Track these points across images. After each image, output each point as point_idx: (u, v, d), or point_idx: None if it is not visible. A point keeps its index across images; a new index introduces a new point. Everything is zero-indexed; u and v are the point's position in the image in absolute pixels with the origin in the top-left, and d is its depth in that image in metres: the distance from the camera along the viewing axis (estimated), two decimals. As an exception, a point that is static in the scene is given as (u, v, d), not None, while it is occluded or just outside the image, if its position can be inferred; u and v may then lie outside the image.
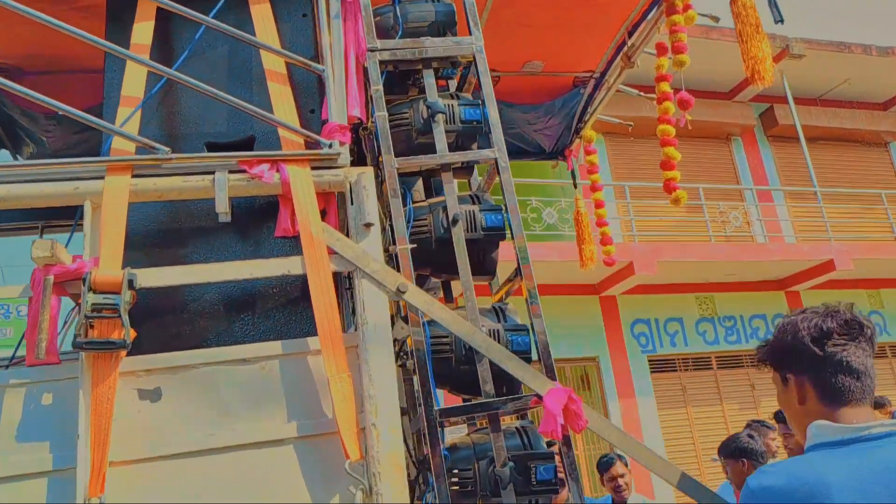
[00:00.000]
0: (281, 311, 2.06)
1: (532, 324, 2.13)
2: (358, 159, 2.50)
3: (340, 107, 2.16)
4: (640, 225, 10.60)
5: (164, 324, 2.00)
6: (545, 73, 3.75)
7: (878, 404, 4.20)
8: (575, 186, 4.21)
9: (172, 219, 2.12)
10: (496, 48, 3.52)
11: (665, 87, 3.27)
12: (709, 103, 11.72)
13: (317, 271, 1.95)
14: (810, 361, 1.42)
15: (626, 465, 4.01)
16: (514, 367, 2.02)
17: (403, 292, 2.00)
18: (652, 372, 10.14)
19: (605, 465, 4.06)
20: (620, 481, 3.98)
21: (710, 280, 10.62)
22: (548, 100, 3.84)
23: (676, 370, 10.39)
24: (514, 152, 4.16)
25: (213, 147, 2.18)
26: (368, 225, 2.04)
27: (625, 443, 2.04)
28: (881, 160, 13.20)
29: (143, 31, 2.21)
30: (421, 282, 2.60)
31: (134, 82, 2.10)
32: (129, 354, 1.84)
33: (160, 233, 2.10)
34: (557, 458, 2.06)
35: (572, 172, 4.13)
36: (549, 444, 2.15)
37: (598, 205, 4.16)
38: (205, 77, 2.25)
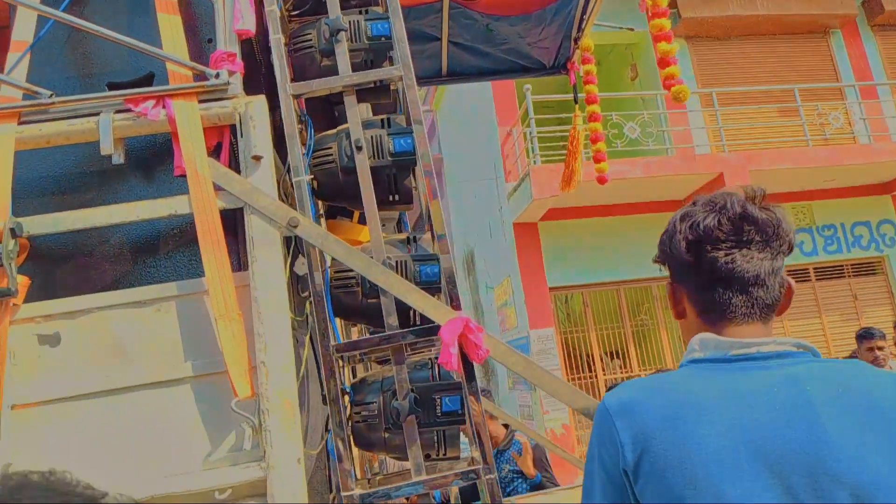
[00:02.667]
0: (182, 251, 2.04)
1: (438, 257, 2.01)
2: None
3: (230, 32, 2.04)
4: (729, 134, 10.02)
5: (71, 269, 2.03)
6: (533, -21, 3.42)
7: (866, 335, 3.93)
8: (575, 101, 3.90)
9: (77, 164, 2.11)
10: (473, -46, 3.25)
11: (653, -25, 2.91)
12: (802, -6, 10.68)
13: (203, 209, 1.91)
14: (686, 270, 1.16)
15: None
16: (414, 298, 1.93)
17: (295, 226, 1.93)
18: None
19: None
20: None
21: (808, 187, 10.08)
22: (538, 9, 3.51)
23: None
24: (513, 69, 3.90)
25: (114, 87, 2.13)
26: (257, 157, 1.97)
27: (529, 371, 1.93)
28: None
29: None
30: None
31: (24, 26, 2.07)
32: (34, 300, 1.90)
33: (66, 179, 2.10)
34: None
35: (574, 87, 3.82)
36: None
37: (593, 118, 3.83)
38: (107, 13, 2.19)
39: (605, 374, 10.40)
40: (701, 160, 9.41)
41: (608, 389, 3.66)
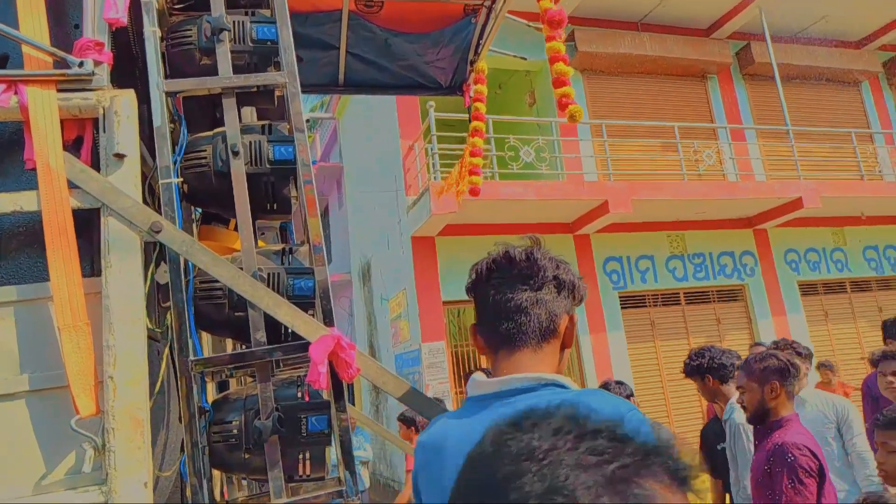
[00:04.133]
0: (27, 252, 1.86)
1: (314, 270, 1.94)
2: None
3: (100, 19, 1.90)
4: (615, 163, 10.60)
5: None
6: (432, -1, 3.41)
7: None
8: (470, 122, 3.95)
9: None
10: (375, -32, 3.21)
11: (546, 3, 2.98)
12: (687, 40, 11.61)
13: (53, 208, 1.75)
14: (475, 308, 1.34)
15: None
16: (284, 313, 1.85)
17: (157, 231, 1.81)
18: (622, 308, 10.41)
19: None
20: None
21: (682, 218, 10.77)
22: (436, 29, 3.52)
23: (646, 306, 10.64)
24: (410, 86, 3.88)
25: (-40, 67, 1.93)
26: (120, 155, 1.83)
27: (400, 390, 1.90)
28: (853, 100, 13.16)
29: None
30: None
31: None
32: None
33: None
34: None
35: (469, 109, 3.86)
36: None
37: (474, 133, 3.90)
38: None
39: (492, 389, 10.55)
40: (589, 187, 9.85)
41: None
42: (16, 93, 1.79)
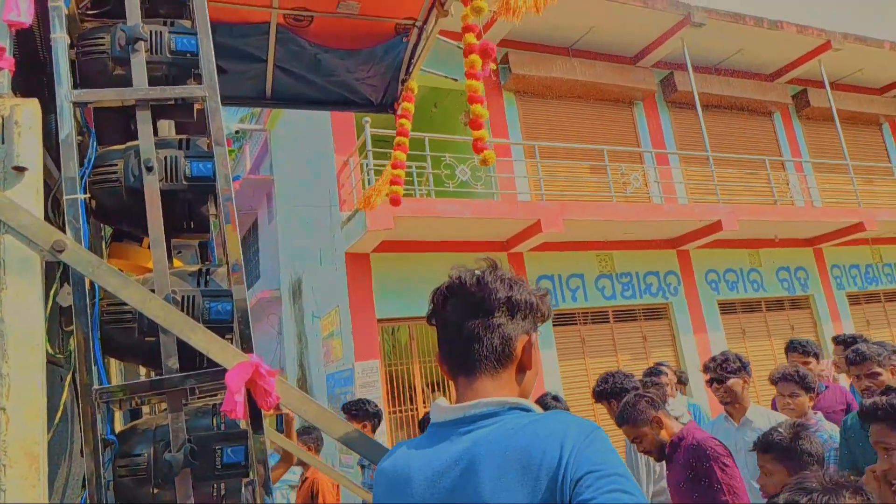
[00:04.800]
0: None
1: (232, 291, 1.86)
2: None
3: (1, 25, 1.77)
4: (547, 184, 10.83)
5: None
6: (362, 15, 3.38)
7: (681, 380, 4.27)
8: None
9: None
10: (306, -17, 3.15)
11: (471, 38, 2.99)
12: (615, 67, 12.02)
13: (-60, 225, 1.60)
14: (437, 334, 1.32)
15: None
16: (198, 338, 1.75)
17: (60, 251, 1.69)
18: (554, 325, 10.54)
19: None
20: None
21: (610, 238, 11.09)
22: (367, 47, 3.50)
23: (577, 324, 10.86)
24: (340, 102, 3.84)
25: None
26: (20, 168, 1.70)
27: (322, 419, 1.83)
28: (766, 129, 13.97)
29: None
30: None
31: None
32: None
33: None
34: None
35: (397, 118, 3.85)
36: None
37: (397, 146, 3.88)
38: None
39: (425, 407, 10.50)
40: (522, 206, 10.01)
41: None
42: None
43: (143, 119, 1.90)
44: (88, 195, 1.84)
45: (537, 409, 1.21)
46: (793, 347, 4.50)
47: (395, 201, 3.99)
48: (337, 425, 1.84)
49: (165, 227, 1.87)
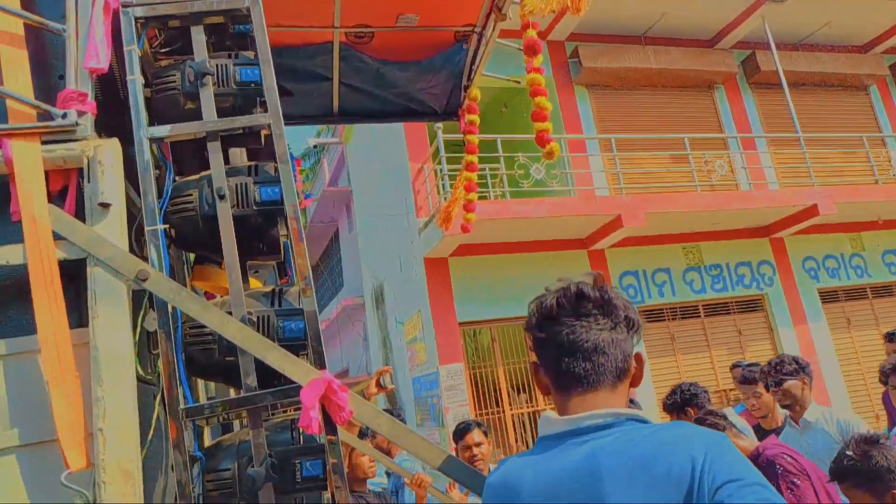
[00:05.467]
0: (16, 305, 1.85)
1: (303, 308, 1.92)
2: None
3: (82, 69, 1.91)
4: (626, 177, 10.55)
5: None
6: (422, 27, 3.42)
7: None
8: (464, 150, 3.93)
9: None
10: (365, 0, 3.22)
11: (531, 33, 2.96)
12: (691, 52, 11.62)
13: (38, 260, 1.74)
14: (541, 346, 1.28)
15: (486, 434, 3.85)
16: (273, 357, 1.82)
17: (144, 280, 1.80)
18: None
19: (461, 432, 3.87)
20: (476, 451, 3.73)
21: (697, 229, 10.67)
22: (427, 57, 3.53)
23: (664, 320, 10.53)
24: (405, 113, 3.90)
25: (-54, 123, 1.94)
26: (105, 205, 1.83)
27: (394, 432, 1.86)
28: (862, 104, 13.05)
29: None
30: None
31: None
32: None
33: None
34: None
35: (464, 134, 3.85)
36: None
37: (468, 167, 3.87)
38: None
39: (511, 409, 10.46)
40: (600, 202, 9.80)
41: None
42: (0, 146, 1.80)
43: (214, 149, 2.00)
44: (167, 225, 1.94)
45: (650, 420, 1.20)
46: (890, 338, 4.20)
47: (465, 229, 3.98)
48: (409, 438, 1.87)
49: (240, 251, 1.96)
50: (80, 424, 1.68)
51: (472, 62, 3.54)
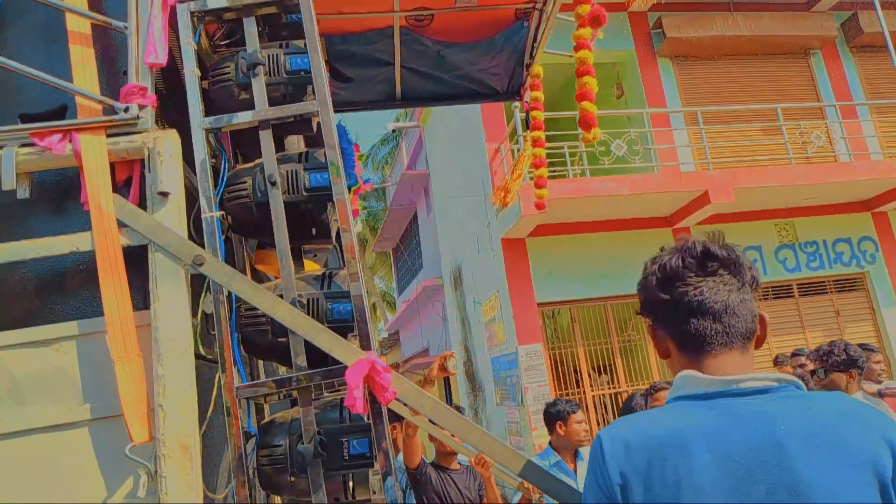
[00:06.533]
0: (87, 289, 1.99)
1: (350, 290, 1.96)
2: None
3: (143, 64, 2.01)
4: (714, 151, 10.11)
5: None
6: (481, 6, 3.38)
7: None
8: (526, 127, 3.86)
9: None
10: (423, -17, 3.22)
11: (584, 9, 2.86)
12: (785, 16, 10.92)
13: (104, 246, 1.87)
14: (662, 308, 1.24)
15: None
16: (321, 338, 1.88)
17: (200, 264, 1.89)
18: None
19: (566, 412, 3.90)
20: (582, 430, 3.81)
21: (791, 205, 10.17)
22: (487, 37, 3.49)
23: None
24: (467, 95, 3.87)
25: (26, 119, 2.10)
26: (164, 194, 1.92)
27: (437, 412, 1.88)
28: (979, 66, 11.73)
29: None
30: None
31: (-67, 58, 2.04)
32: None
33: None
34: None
35: (527, 114, 3.79)
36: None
37: (536, 143, 3.79)
38: (27, 40, 2.16)
39: (592, 390, 10.34)
40: (686, 178, 9.42)
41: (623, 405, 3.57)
42: (70, 140, 1.93)
43: (265, 137, 2.06)
44: (223, 212, 2.03)
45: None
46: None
47: (539, 206, 3.92)
48: (452, 418, 1.88)
49: (291, 235, 2.02)
50: (143, 400, 1.80)
51: (534, 39, 3.47)
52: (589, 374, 10.56)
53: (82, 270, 1.98)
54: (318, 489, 1.84)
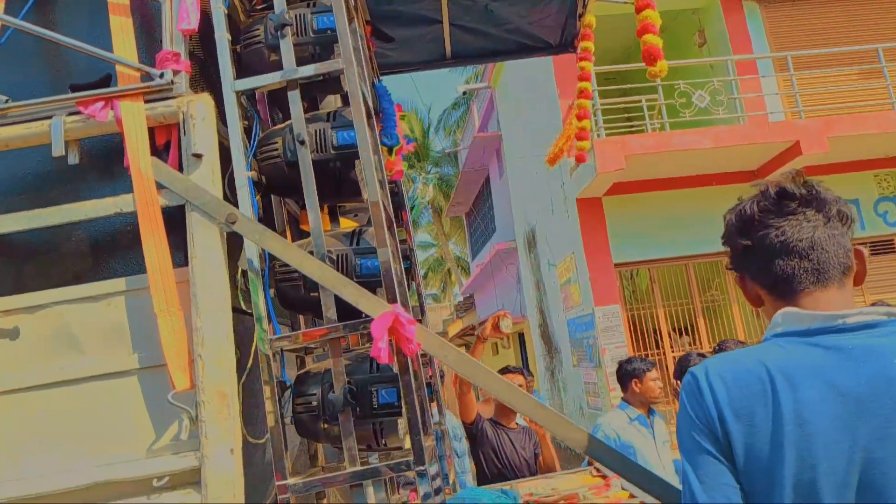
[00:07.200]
0: (135, 248, 2.10)
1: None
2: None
3: (176, 31, 2.09)
4: (805, 99, 9.48)
5: (37, 265, 2.15)
6: (529, -43, 3.27)
7: None
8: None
9: (43, 164, 2.21)
10: (470, -64, 3.15)
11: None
12: (887, -58, 9.88)
13: (145, 207, 1.97)
14: (746, 256, 1.24)
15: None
16: (348, 292, 1.93)
17: (233, 223, 1.97)
18: None
19: (642, 370, 3.86)
20: (657, 387, 3.79)
21: (892, 154, 9.55)
22: (537, -12, 3.37)
23: None
24: (519, 49, 3.78)
25: (75, 88, 2.22)
26: (198, 155, 2.01)
27: (462, 365, 1.89)
28: None
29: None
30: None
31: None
32: (5, 295, 2.04)
33: (34, 179, 2.21)
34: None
35: (578, 61, 3.65)
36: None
37: (582, 94, 3.65)
38: (73, 11, 2.28)
39: (673, 351, 10.11)
40: (775, 128, 8.88)
41: (676, 364, 3.57)
42: (112, 108, 2.04)
43: (293, 98, 2.10)
44: (256, 172, 2.09)
45: None
46: None
47: (580, 159, 3.83)
48: (478, 371, 1.89)
49: (322, 194, 2.07)
50: (184, 351, 1.91)
51: (585, -13, 3.33)
52: (669, 335, 10.30)
53: (129, 230, 2.11)
54: (349, 436, 1.91)
